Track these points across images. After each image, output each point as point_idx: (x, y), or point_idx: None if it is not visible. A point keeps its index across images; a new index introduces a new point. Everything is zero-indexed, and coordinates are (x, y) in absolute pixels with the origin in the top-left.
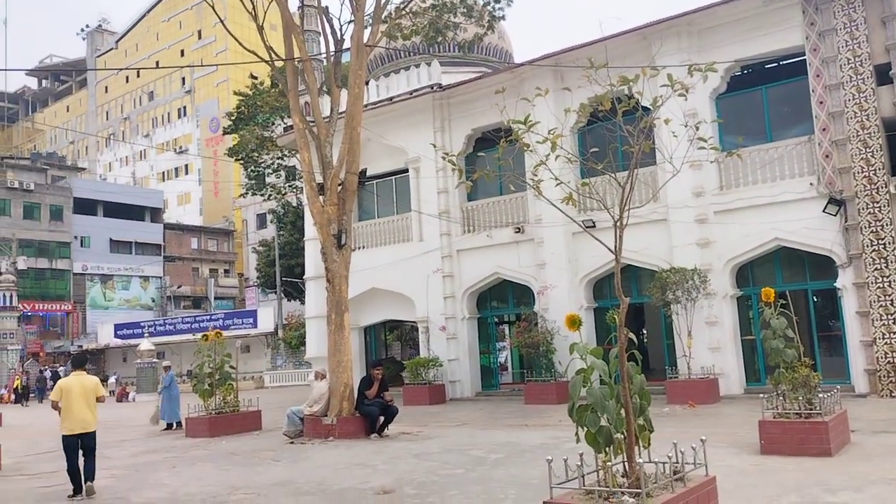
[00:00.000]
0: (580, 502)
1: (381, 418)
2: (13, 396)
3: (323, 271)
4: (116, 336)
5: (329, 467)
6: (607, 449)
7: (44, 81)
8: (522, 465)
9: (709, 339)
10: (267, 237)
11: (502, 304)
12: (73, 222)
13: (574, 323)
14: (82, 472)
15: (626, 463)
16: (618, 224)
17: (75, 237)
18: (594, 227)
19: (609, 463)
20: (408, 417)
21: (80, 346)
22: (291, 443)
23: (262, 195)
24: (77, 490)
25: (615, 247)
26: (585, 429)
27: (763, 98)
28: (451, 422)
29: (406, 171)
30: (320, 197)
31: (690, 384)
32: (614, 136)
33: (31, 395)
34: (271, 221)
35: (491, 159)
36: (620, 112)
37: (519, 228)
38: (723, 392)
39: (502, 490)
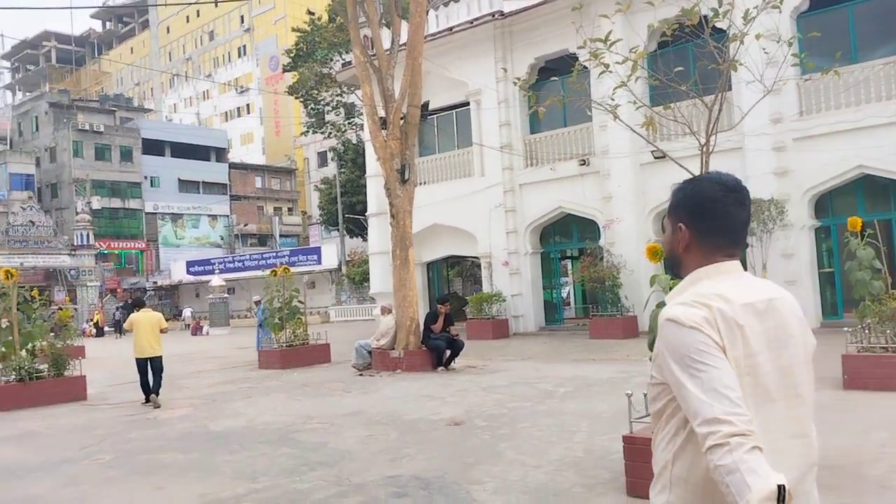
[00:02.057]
0: None
1: (448, 352)
2: (94, 330)
3: (385, 207)
4: (189, 273)
5: (398, 399)
6: None
7: (108, 24)
8: (592, 398)
9: (784, 271)
10: (328, 175)
11: (566, 239)
12: (142, 163)
13: (656, 254)
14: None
15: None
16: (704, 149)
17: (145, 177)
18: (664, 157)
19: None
20: (472, 351)
21: (155, 283)
22: (360, 375)
23: (322, 133)
24: (147, 399)
25: (701, 174)
26: None
27: (849, 15)
28: (517, 356)
29: (467, 104)
30: (383, 131)
31: None
32: (685, 61)
33: (109, 329)
34: (332, 159)
35: (556, 88)
36: (709, 28)
37: (584, 161)
38: None
39: (574, 423)
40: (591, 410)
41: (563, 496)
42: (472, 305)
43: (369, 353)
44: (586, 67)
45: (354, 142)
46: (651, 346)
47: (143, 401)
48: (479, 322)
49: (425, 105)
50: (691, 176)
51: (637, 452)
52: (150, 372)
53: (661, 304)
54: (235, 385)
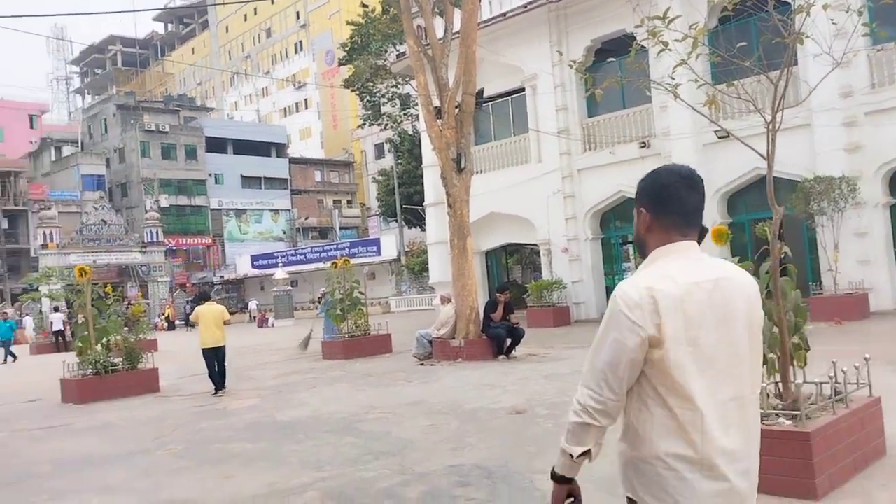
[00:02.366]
0: None
1: (508, 340)
2: (166, 324)
3: (443, 197)
4: (253, 266)
5: (459, 388)
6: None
7: (169, 25)
8: None
9: (857, 251)
10: (385, 166)
11: (626, 224)
12: (206, 160)
13: (721, 236)
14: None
15: (779, 384)
16: (770, 127)
17: (209, 174)
18: (728, 136)
19: (762, 384)
20: (533, 339)
21: (222, 277)
22: (421, 364)
23: (378, 125)
24: (217, 389)
25: (767, 152)
26: None
27: None
28: (579, 343)
29: (522, 90)
30: (438, 120)
31: (836, 300)
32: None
33: (180, 322)
34: (389, 150)
35: (614, 70)
36: (773, 0)
37: (644, 143)
38: (872, 308)
39: None
40: None
41: None
42: (532, 293)
43: (430, 342)
44: (644, 47)
45: (410, 132)
46: None
47: (213, 391)
48: (540, 310)
49: (480, 93)
50: (758, 155)
51: None
52: (217, 361)
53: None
54: (300, 375)
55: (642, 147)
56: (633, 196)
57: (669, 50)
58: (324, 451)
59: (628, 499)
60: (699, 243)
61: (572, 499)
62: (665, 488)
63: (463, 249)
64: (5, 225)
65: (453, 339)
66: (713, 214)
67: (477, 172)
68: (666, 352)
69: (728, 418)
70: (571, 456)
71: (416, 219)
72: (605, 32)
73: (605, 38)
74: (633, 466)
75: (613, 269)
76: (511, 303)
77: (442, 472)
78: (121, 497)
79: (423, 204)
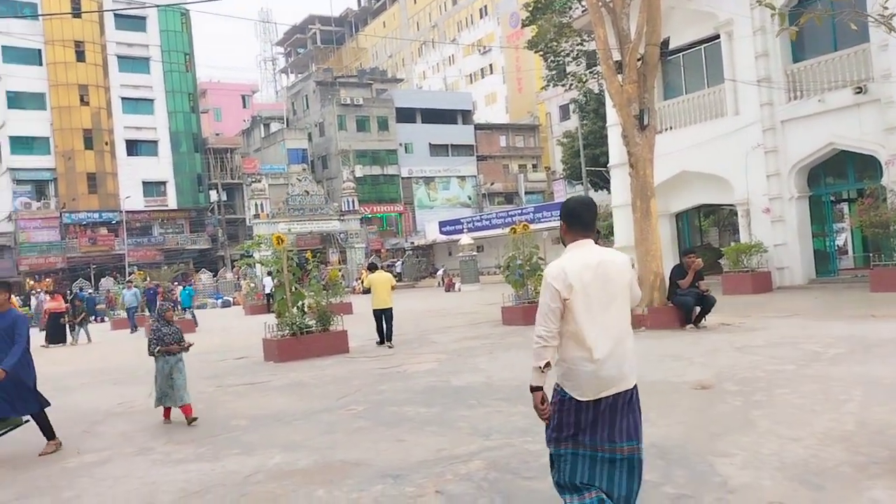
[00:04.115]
0: None
1: (697, 308)
2: (362, 288)
3: (626, 156)
4: (441, 232)
5: (640, 358)
6: None
7: (362, 1)
8: (869, 362)
9: None
10: (570, 128)
11: (839, 180)
12: (397, 131)
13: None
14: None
15: None
16: None
17: (400, 144)
18: None
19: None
20: (727, 307)
21: (412, 243)
22: None
23: (563, 86)
24: (381, 342)
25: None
26: None
27: None
28: (779, 312)
29: (716, 37)
30: (618, 75)
31: None
32: None
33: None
34: (573, 112)
35: (823, 8)
36: None
37: (860, 88)
38: None
39: (844, 390)
40: (866, 376)
41: (826, 475)
42: (729, 257)
43: None
44: None
45: (596, 91)
46: None
47: (378, 342)
48: (737, 275)
49: (665, 43)
50: None
51: None
52: (384, 320)
53: None
54: (479, 341)
55: (858, 93)
56: (847, 148)
57: None
58: (494, 418)
59: (556, 384)
60: (595, 241)
61: (546, 402)
62: (570, 375)
63: (646, 212)
64: (224, 197)
65: (636, 306)
66: None
67: (666, 129)
68: (572, 301)
69: (604, 336)
70: (539, 368)
71: (601, 181)
72: None
73: None
74: (558, 366)
75: (824, 230)
76: (701, 268)
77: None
78: (301, 454)
79: (608, 165)
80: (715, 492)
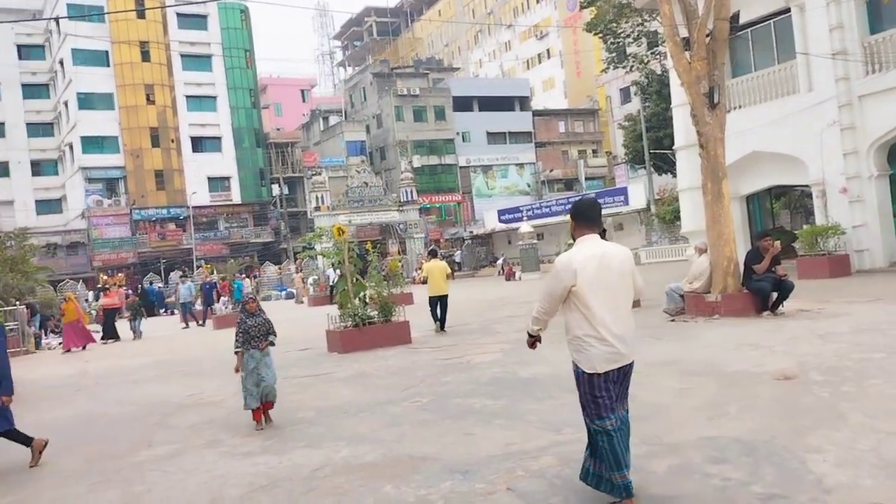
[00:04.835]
0: None
1: (774, 294)
2: (423, 278)
3: (694, 138)
4: (500, 221)
5: (716, 347)
6: None
7: None
8: None
9: None
10: (632, 111)
11: None
12: (454, 120)
13: None
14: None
15: None
16: None
17: (457, 133)
18: None
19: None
20: (805, 293)
21: (471, 232)
22: (672, 321)
23: (623, 68)
24: (439, 328)
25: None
26: None
27: None
28: (861, 297)
29: (787, 10)
30: (686, 52)
31: None
32: None
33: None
34: (635, 94)
35: None
36: None
37: None
38: None
39: None
40: None
41: None
42: (804, 241)
43: (681, 297)
44: None
45: (658, 72)
46: None
47: (436, 329)
48: (813, 259)
49: (735, 17)
50: None
51: None
52: (439, 306)
53: None
54: (546, 331)
55: None
56: None
57: None
58: (563, 411)
59: (573, 363)
60: (601, 236)
61: (539, 341)
62: (582, 351)
63: (718, 194)
64: (286, 191)
65: (708, 293)
66: None
67: (735, 108)
68: (579, 287)
69: (608, 317)
70: (530, 332)
71: (666, 164)
72: None
73: None
74: (569, 343)
75: None
76: (778, 252)
77: (694, 444)
78: (367, 447)
79: (673, 147)
80: (809, 491)
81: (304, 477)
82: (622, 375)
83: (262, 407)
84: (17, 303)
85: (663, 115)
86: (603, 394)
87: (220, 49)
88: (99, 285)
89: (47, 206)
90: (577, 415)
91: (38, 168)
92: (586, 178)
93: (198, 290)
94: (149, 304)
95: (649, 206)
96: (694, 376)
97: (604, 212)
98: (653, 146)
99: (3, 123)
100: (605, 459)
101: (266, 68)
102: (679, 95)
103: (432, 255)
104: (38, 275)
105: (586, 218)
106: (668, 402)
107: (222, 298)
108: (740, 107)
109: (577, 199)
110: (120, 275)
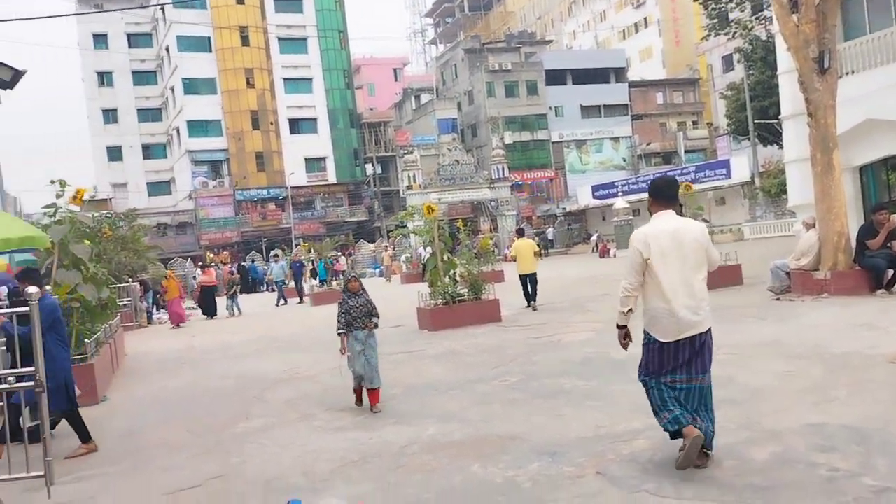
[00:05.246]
0: None
1: (890, 272)
2: (512, 256)
3: (802, 106)
4: (594, 197)
5: (824, 328)
6: None
7: None
8: None
9: None
10: (734, 80)
11: None
12: (546, 94)
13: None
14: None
15: None
16: None
17: (550, 108)
18: None
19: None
20: None
21: (564, 209)
22: (777, 299)
23: (725, 34)
24: (528, 304)
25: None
26: None
27: None
28: None
29: None
30: (793, 15)
31: None
32: None
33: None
34: (738, 61)
35: None
36: None
37: None
38: None
39: None
40: None
41: None
42: None
43: (787, 274)
44: None
45: (763, 38)
46: None
47: (525, 305)
48: None
49: None
50: None
51: None
52: (529, 283)
53: None
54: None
55: None
56: None
57: None
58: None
59: (644, 329)
60: (678, 212)
61: (629, 338)
62: (654, 321)
63: (828, 165)
64: (379, 170)
65: (817, 270)
66: None
67: (846, 74)
68: (652, 260)
69: (681, 289)
70: (623, 312)
71: (771, 135)
72: None
73: None
74: (644, 314)
75: None
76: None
77: (798, 431)
78: (455, 425)
79: (779, 117)
80: None
81: (393, 453)
82: (695, 343)
83: (369, 394)
84: (130, 280)
85: (768, 83)
86: (670, 360)
87: (315, 31)
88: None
89: (157, 187)
90: None
91: (148, 151)
92: (686, 151)
93: (289, 268)
94: (248, 283)
95: (753, 178)
96: (799, 359)
97: (704, 185)
98: (757, 116)
99: (116, 109)
100: (653, 404)
101: (359, 49)
102: (786, 61)
103: (520, 233)
104: (148, 253)
105: (663, 195)
106: (771, 386)
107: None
108: (853, 72)
109: (656, 176)
110: (225, 253)
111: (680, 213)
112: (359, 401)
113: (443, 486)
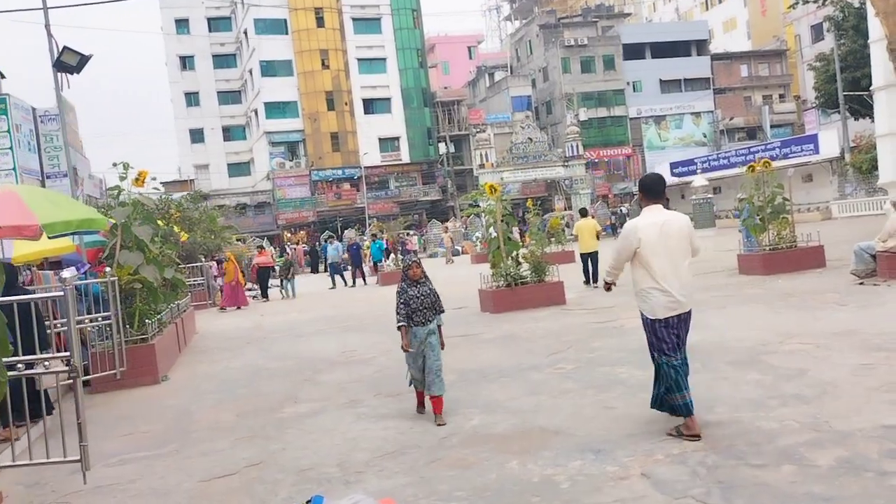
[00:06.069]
0: None
1: None
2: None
3: (892, 76)
4: (672, 174)
5: None
6: None
7: None
8: None
9: None
10: (824, 50)
11: None
12: (624, 69)
13: None
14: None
15: None
16: None
17: (627, 83)
18: None
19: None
20: None
21: None
22: (860, 283)
23: (815, 2)
24: (587, 283)
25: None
26: None
27: None
28: None
29: None
30: None
31: None
32: None
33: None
34: (828, 31)
35: None
36: None
37: None
38: None
39: None
40: None
41: None
42: None
43: (873, 257)
44: None
45: (856, 5)
46: None
47: (584, 282)
48: None
49: None
50: None
51: None
52: (590, 262)
53: None
54: (710, 293)
55: None
56: None
57: None
58: (720, 386)
59: (640, 311)
60: (665, 206)
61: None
62: (646, 300)
63: None
64: (452, 149)
65: None
66: None
67: None
68: (641, 249)
69: (668, 272)
70: (606, 284)
71: (863, 108)
72: None
73: None
74: (636, 295)
75: None
76: None
77: (870, 434)
78: (500, 416)
79: (871, 88)
80: None
81: (431, 446)
82: (680, 321)
83: (431, 401)
84: (204, 259)
85: (861, 52)
86: (664, 335)
87: (388, 10)
88: (283, 243)
89: (237, 168)
90: (735, 392)
91: (228, 133)
92: (771, 126)
93: (346, 250)
94: (316, 264)
95: (843, 154)
96: (879, 351)
97: (790, 161)
98: (848, 88)
99: (197, 93)
100: (668, 384)
101: (433, 27)
102: (878, 29)
103: (582, 213)
104: (224, 233)
105: (651, 191)
106: (844, 381)
107: (391, 256)
108: None
109: (644, 175)
110: (301, 232)
111: (667, 207)
112: (421, 407)
113: (476, 484)
